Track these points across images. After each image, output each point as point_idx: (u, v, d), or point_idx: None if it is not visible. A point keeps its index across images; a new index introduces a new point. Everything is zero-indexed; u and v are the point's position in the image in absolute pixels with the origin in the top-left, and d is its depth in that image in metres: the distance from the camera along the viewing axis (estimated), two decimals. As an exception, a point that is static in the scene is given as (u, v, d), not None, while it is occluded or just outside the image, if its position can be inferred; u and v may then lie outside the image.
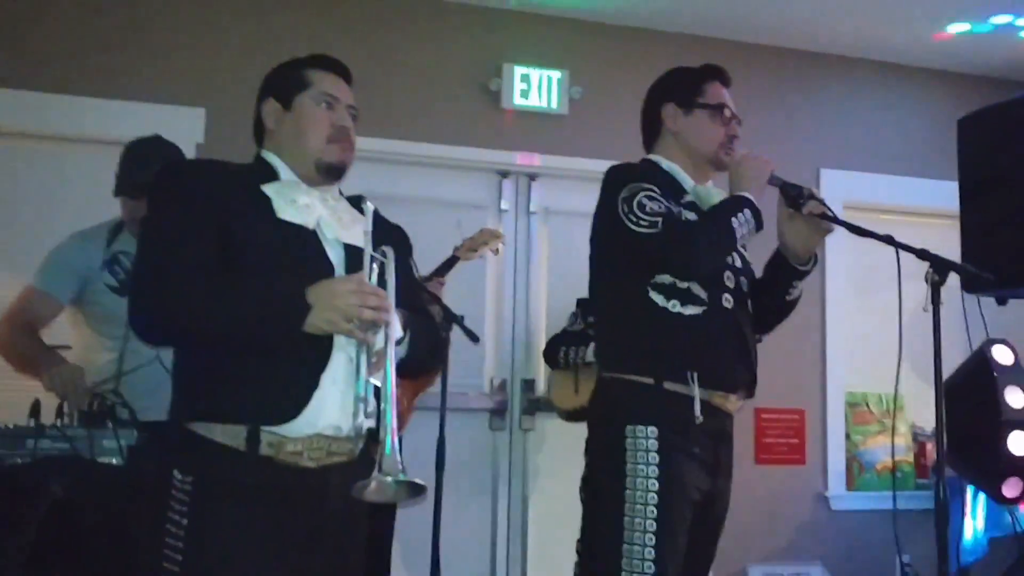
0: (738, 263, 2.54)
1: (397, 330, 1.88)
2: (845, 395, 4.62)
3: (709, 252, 2.37)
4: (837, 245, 4.50)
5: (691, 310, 2.38)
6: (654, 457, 2.30)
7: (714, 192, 2.53)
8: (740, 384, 2.47)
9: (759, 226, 2.41)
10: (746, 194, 2.41)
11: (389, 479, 1.76)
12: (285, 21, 4.12)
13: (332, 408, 1.87)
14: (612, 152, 4.29)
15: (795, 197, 2.45)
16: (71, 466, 2.25)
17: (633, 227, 2.33)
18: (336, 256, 1.95)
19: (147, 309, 1.87)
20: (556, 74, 4.36)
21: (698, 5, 4.33)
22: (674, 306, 2.38)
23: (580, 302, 3.98)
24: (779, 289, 2.57)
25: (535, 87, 4.34)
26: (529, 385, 4.29)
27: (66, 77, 3.85)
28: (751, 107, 4.58)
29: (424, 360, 2.11)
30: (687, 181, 2.54)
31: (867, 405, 4.66)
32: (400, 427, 2.10)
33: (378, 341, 1.85)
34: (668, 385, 2.35)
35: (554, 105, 4.35)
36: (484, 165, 4.36)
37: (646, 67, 4.44)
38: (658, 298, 2.38)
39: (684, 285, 2.38)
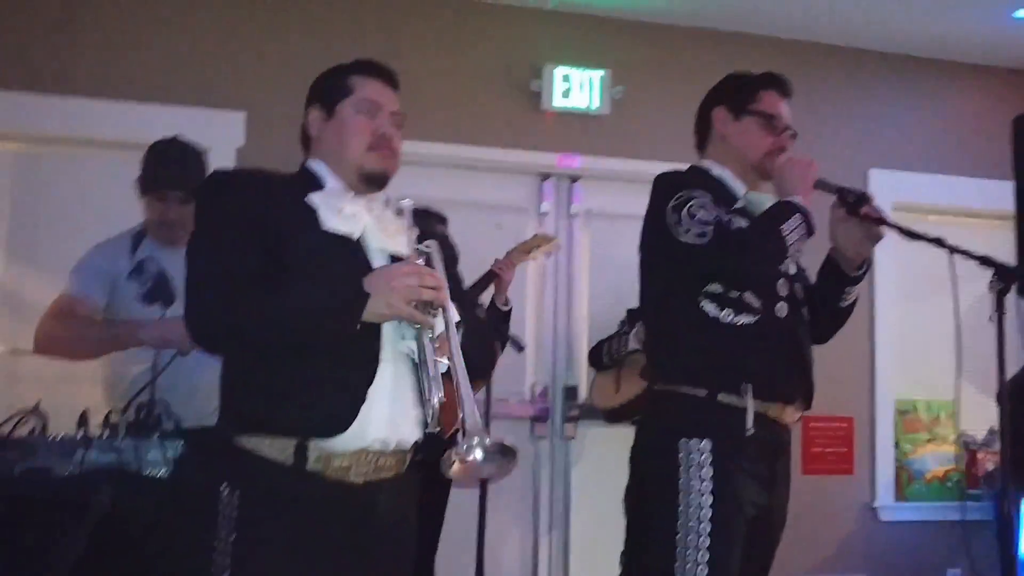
0: (792, 270, 2.47)
1: (454, 314, 1.85)
2: (894, 403, 4.53)
3: (760, 262, 2.31)
4: (886, 248, 4.30)
5: (744, 319, 2.32)
6: (708, 472, 2.24)
7: (766, 198, 2.46)
8: (796, 395, 2.40)
9: (811, 231, 2.34)
10: (794, 199, 2.34)
11: (477, 443, 1.72)
12: (325, 24, 4.09)
13: (379, 422, 1.84)
14: (655, 152, 4.25)
15: (852, 202, 2.38)
16: (118, 478, 2.23)
17: (682, 237, 2.28)
18: (377, 262, 1.93)
19: (205, 313, 1.85)
20: (598, 74, 4.30)
21: (743, 3, 4.26)
22: (727, 316, 2.32)
23: (630, 312, 3.92)
24: (833, 296, 2.51)
25: (576, 87, 4.28)
26: (571, 392, 4.23)
27: (108, 82, 3.86)
28: (798, 106, 4.52)
29: (477, 357, 2.04)
30: (738, 187, 2.47)
31: (917, 413, 4.56)
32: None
33: (438, 325, 1.82)
34: (722, 397, 2.29)
35: (596, 105, 4.30)
36: (525, 167, 4.32)
37: (689, 66, 4.45)
38: (710, 307, 2.32)
39: (736, 294, 2.32)
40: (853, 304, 2.55)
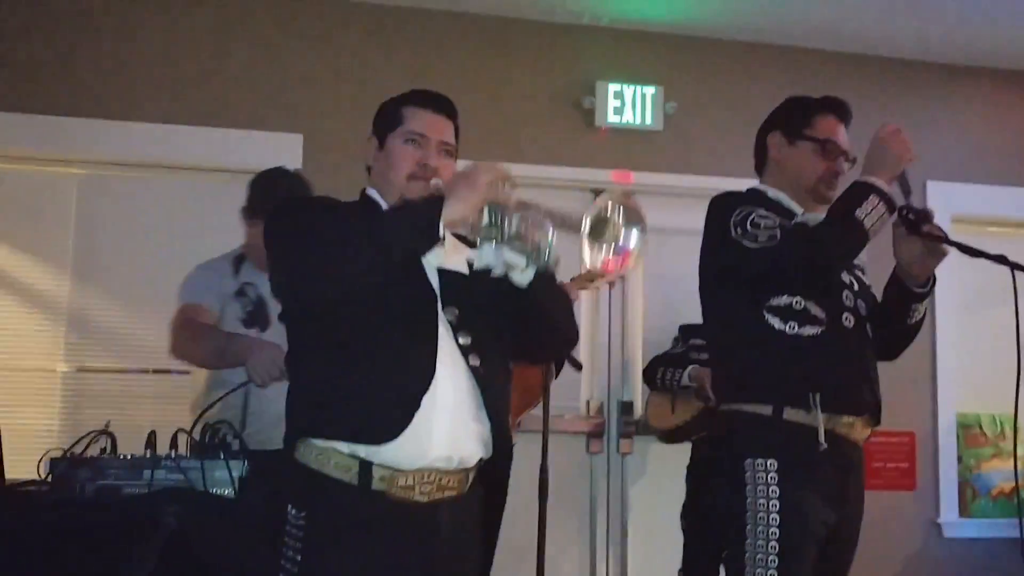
0: (856, 286, 2.44)
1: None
2: (956, 417, 4.44)
3: (836, 247, 2.28)
4: (946, 262, 4.32)
5: (810, 330, 2.30)
6: (775, 491, 2.21)
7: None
8: (865, 407, 2.36)
9: (892, 209, 2.27)
10: (871, 179, 2.27)
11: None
12: (379, 48, 4.15)
13: (441, 438, 1.85)
14: (708, 167, 4.24)
15: (913, 220, 2.34)
16: (185, 497, 2.26)
17: (750, 244, 2.27)
18: (436, 281, 1.96)
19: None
20: (650, 90, 4.31)
21: (796, 17, 4.23)
22: (792, 328, 2.30)
23: (682, 328, 3.91)
24: (900, 313, 2.47)
25: (629, 104, 4.29)
26: (627, 408, 4.22)
27: (169, 107, 3.95)
28: (854, 119, 4.49)
29: (551, 308, 2.02)
30: (795, 209, 2.45)
31: (980, 427, 4.47)
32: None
33: (510, 224, 1.81)
34: (788, 414, 2.26)
35: (648, 121, 4.30)
36: (578, 184, 4.32)
37: (742, 81, 4.43)
38: (775, 320, 2.31)
39: (801, 306, 2.30)
40: (921, 320, 2.52)
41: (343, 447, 1.83)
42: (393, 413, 1.82)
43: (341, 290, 1.85)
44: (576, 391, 4.19)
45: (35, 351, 3.84)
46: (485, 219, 1.83)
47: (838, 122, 2.50)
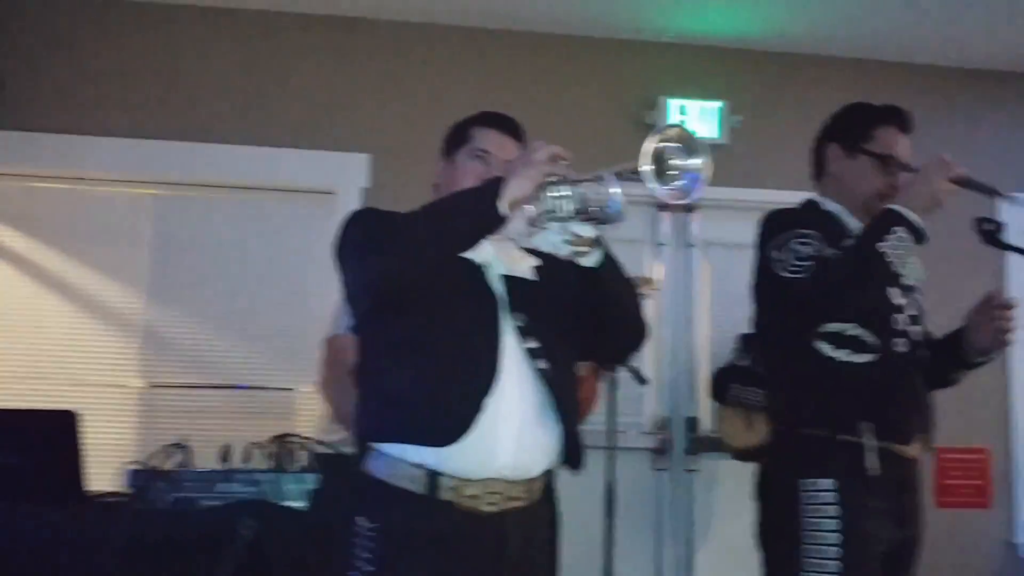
0: (910, 307, 2.37)
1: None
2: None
3: (854, 286, 2.20)
4: (1019, 275, 4.25)
5: (862, 358, 2.26)
6: (834, 510, 2.18)
7: None
8: (916, 434, 2.31)
9: (919, 238, 2.19)
10: (897, 207, 2.19)
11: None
12: (445, 67, 4.20)
13: (507, 443, 1.86)
14: (773, 181, 4.21)
15: (992, 232, 2.29)
16: (258, 509, 2.31)
17: (785, 275, 2.23)
18: (501, 287, 1.99)
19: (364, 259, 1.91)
20: (715, 104, 4.29)
21: (861, 27, 4.18)
22: (844, 355, 2.25)
23: (743, 338, 3.87)
24: (944, 371, 2.44)
25: (694, 118, 4.28)
26: (692, 423, 4.19)
27: (240, 128, 4.04)
28: (927, 132, 4.41)
29: (621, 291, 2.01)
30: (851, 223, 2.39)
31: (1058, 444, 4.35)
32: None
33: (572, 197, 1.83)
34: (842, 437, 2.23)
35: (713, 135, 4.27)
36: (641, 199, 4.25)
37: (808, 93, 4.39)
38: (825, 348, 2.27)
39: (853, 332, 2.25)
40: (960, 379, 2.49)
41: (411, 455, 1.84)
42: (457, 415, 1.83)
43: (413, 277, 1.86)
44: (640, 407, 4.17)
45: (111, 367, 3.94)
46: (548, 203, 1.85)
47: (899, 133, 2.41)
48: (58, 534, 2.32)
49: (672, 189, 1.81)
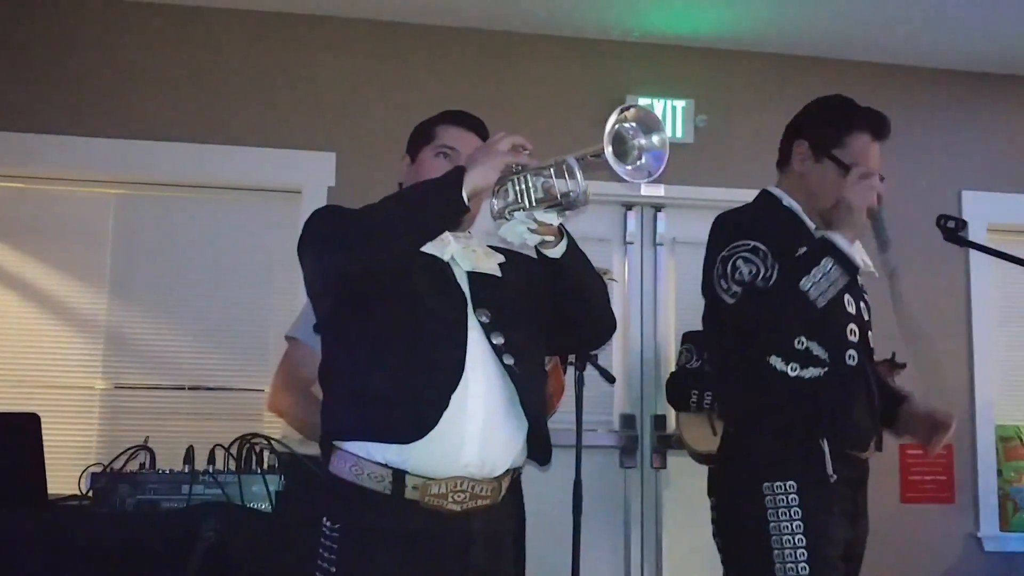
0: (862, 314, 2.34)
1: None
2: (996, 429, 4.38)
3: (773, 326, 2.21)
4: (982, 272, 4.31)
5: (811, 372, 2.22)
6: (797, 513, 2.17)
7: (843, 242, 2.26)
8: (871, 439, 2.32)
9: (850, 270, 2.18)
10: (832, 236, 2.18)
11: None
12: (411, 67, 4.19)
13: (472, 440, 1.85)
14: (739, 179, 4.23)
15: (954, 229, 2.30)
16: (222, 511, 2.29)
17: (722, 294, 2.22)
18: (466, 285, 1.98)
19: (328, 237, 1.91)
20: (680, 103, 4.32)
21: (826, 28, 4.22)
22: (793, 369, 2.22)
23: (688, 336, 3.89)
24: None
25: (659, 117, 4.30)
26: (660, 421, 4.20)
27: (204, 127, 4.00)
28: (893, 132, 4.45)
29: (587, 282, 2.01)
30: (807, 223, 2.35)
31: (1020, 440, 4.41)
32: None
33: (535, 185, 1.84)
34: (800, 444, 2.22)
35: (679, 134, 4.30)
36: (608, 197, 4.33)
37: (773, 92, 4.42)
38: (776, 362, 2.23)
39: (802, 346, 2.22)
40: None
41: (375, 454, 1.83)
42: (422, 411, 1.82)
43: (374, 269, 1.85)
44: (609, 405, 4.19)
45: (73, 369, 3.90)
46: (511, 193, 1.87)
47: (872, 141, 2.34)
48: (20, 538, 2.29)
49: (635, 169, 1.81)
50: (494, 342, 1.92)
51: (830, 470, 2.17)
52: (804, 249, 2.23)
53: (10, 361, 3.86)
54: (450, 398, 1.83)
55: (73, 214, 3.99)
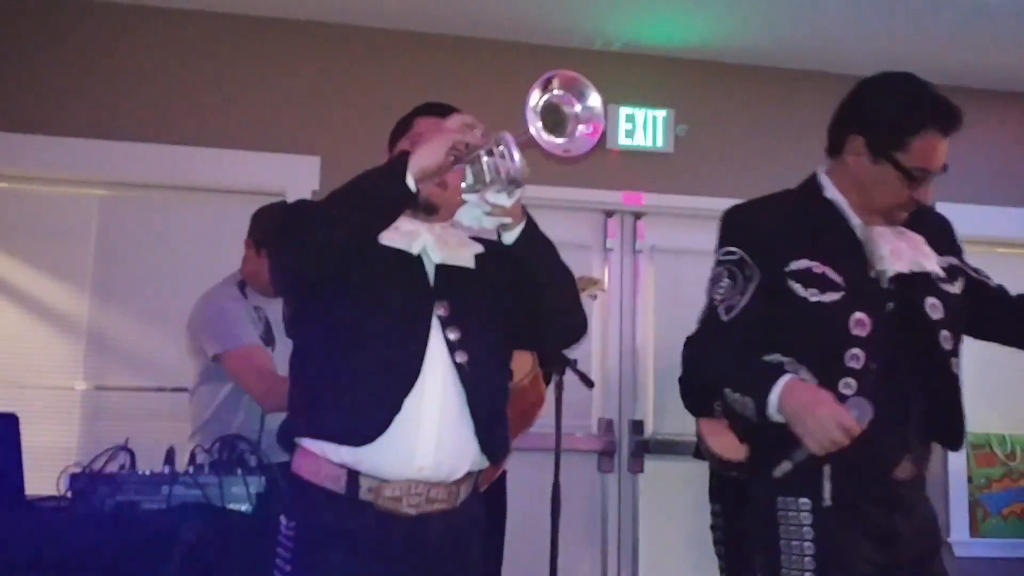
0: (866, 327, 2.02)
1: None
2: (967, 436, 4.43)
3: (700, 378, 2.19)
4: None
5: None
6: (808, 532, 2.01)
7: (883, 244, 2.06)
8: (900, 457, 2.03)
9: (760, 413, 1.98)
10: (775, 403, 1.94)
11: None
12: (394, 72, 4.22)
13: (426, 443, 1.82)
14: (718, 188, 4.28)
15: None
16: (202, 512, 2.30)
17: (705, 311, 2.11)
18: (433, 276, 1.93)
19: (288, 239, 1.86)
20: (661, 113, 4.37)
21: (804, 40, 4.28)
22: None
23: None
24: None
25: (640, 126, 4.35)
26: (637, 426, 4.25)
27: (188, 129, 4.02)
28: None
29: (542, 269, 1.92)
30: (852, 219, 2.10)
31: (990, 447, 4.48)
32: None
33: (489, 166, 1.76)
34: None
35: (659, 144, 4.35)
36: (589, 205, 4.37)
37: (752, 103, 4.49)
38: None
39: (793, 369, 2.00)
40: None
41: (332, 454, 1.81)
42: (374, 413, 1.79)
43: (330, 261, 1.80)
44: (587, 409, 4.22)
45: (54, 369, 3.90)
46: (469, 177, 1.81)
47: (940, 138, 2.10)
48: (-3, 539, 2.30)
49: (571, 140, 1.74)
50: (449, 337, 1.86)
51: (826, 495, 1.98)
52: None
53: (-10, 361, 3.86)
54: (403, 401, 1.79)
55: (56, 214, 3.99)
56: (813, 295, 2.01)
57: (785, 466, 1.94)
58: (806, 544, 2.01)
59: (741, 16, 4.10)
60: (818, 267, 2.03)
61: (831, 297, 2.01)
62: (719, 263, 2.09)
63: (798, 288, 2.01)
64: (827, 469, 1.98)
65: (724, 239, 2.11)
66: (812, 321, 2.01)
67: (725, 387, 2.06)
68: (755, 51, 4.40)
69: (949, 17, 4.02)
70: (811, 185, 2.17)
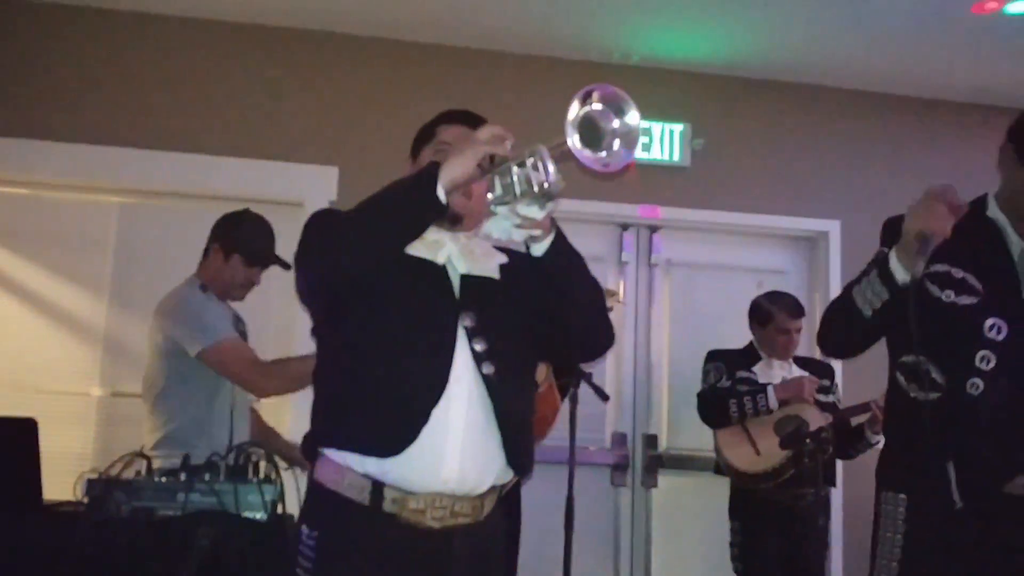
0: (1002, 332, 2.03)
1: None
2: None
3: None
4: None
5: (930, 395, 2.04)
6: (901, 528, 2.03)
7: None
8: (1011, 469, 1.99)
9: (891, 290, 1.99)
10: (889, 252, 2.01)
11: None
12: (413, 83, 4.24)
13: (452, 455, 1.79)
14: (734, 203, 4.28)
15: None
16: (217, 520, 2.30)
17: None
18: (458, 287, 1.91)
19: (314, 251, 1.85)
20: (678, 127, 4.37)
21: (822, 56, 4.28)
22: (913, 389, 2.08)
23: (716, 355, 3.78)
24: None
25: (657, 140, 4.35)
26: (651, 440, 4.24)
27: (208, 138, 4.05)
28: (883, 159, 4.50)
29: (571, 282, 1.88)
30: (1011, 238, 2.09)
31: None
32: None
33: (520, 178, 1.72)
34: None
35: (676, 158, 4.36)
36: (605, 218, 4.38)
37: (769, 118, 4.48)
38: (900, 379, 2.14)
39: (925, 368, 2.03)
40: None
41: (356, 465, 1.79)
42: (402, 425, 1.77)
43: (357, 272, 1.79)
44: (601, 423, 4.22)
45: (71, 375, 3.92)
46: (498, 189, 1.78)
47: None
48: (14, 543, 2.31)
49: (608, 154, 1.70)
50: (476, 348, 1.84)
51: (956, 496, 1.97)
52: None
53: (9, 366, 3.88)
54: (431, 413, 1.77)
55: (76, 221, 4.03)
56: (948, 296, 2.06)
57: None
58: (897, 537, 2.03)
59: (758, 31, 4.10)
60: (958, 272, 2.06)
61: (966, 300, 2.05)
62: (871, 262, 2.11)
63: (934, 289, 2.06)
64: (953, 477, 1.97)
65: (882, 242, 2.14)
66: (945, 321, 2.04)
67: (851, 290, 2.07)
68: (772, 66, 4.40)
69: (969, 35, 4.01)
70: (978, 203, 2.16)
